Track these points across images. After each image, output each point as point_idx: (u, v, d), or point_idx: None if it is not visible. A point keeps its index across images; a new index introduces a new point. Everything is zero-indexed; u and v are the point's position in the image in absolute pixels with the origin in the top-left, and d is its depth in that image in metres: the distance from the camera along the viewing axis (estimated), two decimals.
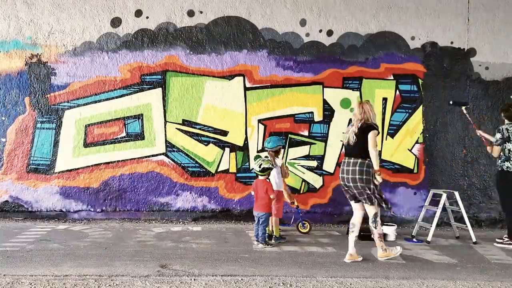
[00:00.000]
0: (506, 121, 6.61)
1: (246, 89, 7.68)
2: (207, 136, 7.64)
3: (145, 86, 7.58)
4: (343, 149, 5.64)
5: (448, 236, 7.14)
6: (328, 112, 7.78)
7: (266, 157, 6.30)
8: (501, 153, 6.58)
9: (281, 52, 7.72)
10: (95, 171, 7.50)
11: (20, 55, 7.45)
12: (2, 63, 7.42)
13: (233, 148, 7.67)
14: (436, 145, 7.92)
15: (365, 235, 6.73)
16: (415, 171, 7.92)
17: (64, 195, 7.47)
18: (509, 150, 6.47)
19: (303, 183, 7.75)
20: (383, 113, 7.82)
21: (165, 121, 7.59)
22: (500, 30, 7.96)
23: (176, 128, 7.61)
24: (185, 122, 7.62)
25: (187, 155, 7.61)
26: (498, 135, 6.54)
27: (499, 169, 6.59)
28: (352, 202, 5.60)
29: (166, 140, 7.59)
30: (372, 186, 5.32)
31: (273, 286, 4.49)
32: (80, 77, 7.50)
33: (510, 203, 6.51)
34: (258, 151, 7.67)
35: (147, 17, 7.57)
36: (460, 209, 6.69)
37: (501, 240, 6.55)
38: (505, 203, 6.63)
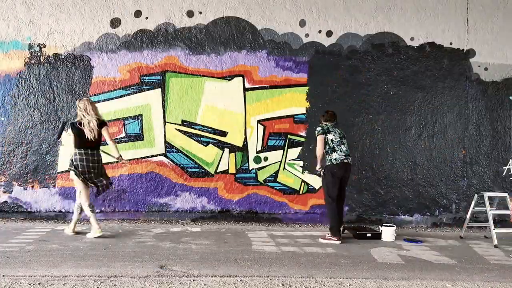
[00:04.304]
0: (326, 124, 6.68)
1: (245, 89, 7.69)
2: (207, 137, 7.65)
3: (144, 87, 7.58)
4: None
5: (447, 237, 7.15)
6: None
7: None
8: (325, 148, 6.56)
9: (281, 53, 7.72)
10: None
11: (19, 55, 7.45)
12: (1, 64, 7.42)
13: (233, 148, 7.68)
14: (435, 146, 7.93)
15: (361, 234, 6.76)
16: None
17: (63, 196, 7.46)
18: (331, 140, 6.52)
19: (303, 183, 7.76)
20: None
21: (165, 122, 7.59)
22: (499, 31, 7.97)
23: (176, 129, 7.61)
24: (184, 123, 7.62)
25: (186, 155, 7.61)
26: (318, 128, 6.60)
27: (329, 163, 6.49)
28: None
29: (165, 141, 7.59)
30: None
31: (272, 287, 4.49)
32: (79, 78, 7.50)
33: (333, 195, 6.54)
34: (257, 152, 7.68)
35: (147, 18, 7.58)
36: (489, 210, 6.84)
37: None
38: (331, 196, 6.54)
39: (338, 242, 6.40)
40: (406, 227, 7.69)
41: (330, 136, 6.57)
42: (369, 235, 6.72)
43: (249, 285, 4.51)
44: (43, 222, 7.31)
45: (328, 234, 6.52)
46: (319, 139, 6.57)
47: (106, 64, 7.54)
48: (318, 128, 6.65)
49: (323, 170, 6.56)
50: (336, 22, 7.79)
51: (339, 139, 6.59)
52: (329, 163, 6.52)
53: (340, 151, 6.52)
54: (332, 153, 6.52)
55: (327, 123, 6.70)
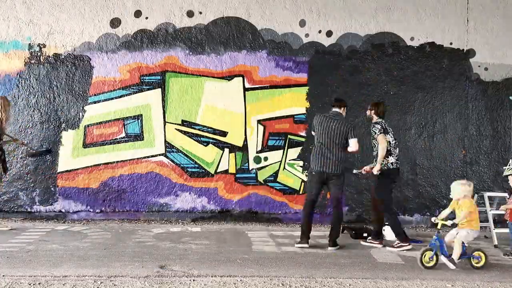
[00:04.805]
0: (375, 118, 6.36)
1: (245, 89, 7.69)
2: (207, 137, 7.64)
3: (144, 87, 7.57)
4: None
5: None
6: None
7: None
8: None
9: (281, 53, 7.72)
10: (94, 171, 7.49)
11: (19, 55, 7.44)
12: (1, 64, 7.41)
13: (233, 148, 7.67)
14: (435, 146, 7.93)
15: (358, 233, 6.76)
16: None
17: (64, 196, 7.46)
18: (389, 142, 6.20)
19: (303, 183, 7.75)
20: None
21: (165, 122, 7.59)
22: (499, 31, 7.97)
23: (176, 129, 7.61)
24: (184, 123, 7.62)
25: (186, 155, 7.61)
26: (378, 126, 6.20)
27: (384, 167, 6.15)
28: None
29: (165, 141, 7.58)
30: None
31: (272, 287, 4.49)
32: (79, 78, 7.50)
33: (391, 203, 6.38)
34: (257, 152, 7.67)
35: (147, 18, 7.57)
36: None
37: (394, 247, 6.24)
38: (390, 204, 6.37)
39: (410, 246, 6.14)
40: (406, 227, 7.67)
41: (388, 138, 6.21)
42: (365, 234, 6.71)
43: (249, 285, 4.51)
44: (43, 222, 7.30)
45: (398, 242, 6.21)
46: (383, 139, 6.09)
47: (106, 64, 7.54)
48: (378, 126, 6.17)
49: (377, 174, 6.11)
50: (336, 22, 7.79)
51: (395, 140, 6.32)
52: (386, 168, 6.16)
53: (395, 155, 6.29)
54: (388, 157, 6.19)
55: (381, 120, 6.30)
